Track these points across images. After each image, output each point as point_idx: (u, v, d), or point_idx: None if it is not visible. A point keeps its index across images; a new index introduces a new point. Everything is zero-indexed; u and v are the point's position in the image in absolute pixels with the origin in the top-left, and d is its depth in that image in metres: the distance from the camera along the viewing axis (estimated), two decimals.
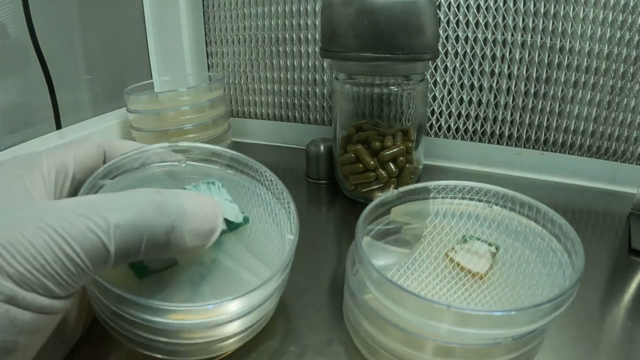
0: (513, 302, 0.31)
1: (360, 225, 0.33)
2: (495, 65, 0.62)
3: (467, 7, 0.61)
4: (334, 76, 0.56)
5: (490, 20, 0.60)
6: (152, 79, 0.77)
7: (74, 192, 0.30)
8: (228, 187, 0.36)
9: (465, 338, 0.27)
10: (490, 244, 0.36)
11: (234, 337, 0.31)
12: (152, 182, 0.35)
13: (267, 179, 0.38)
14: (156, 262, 0.30)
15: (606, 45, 0.56)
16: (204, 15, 0.77)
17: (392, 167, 0.53)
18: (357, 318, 0.31)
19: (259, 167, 0.38)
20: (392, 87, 0.53)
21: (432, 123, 0.69)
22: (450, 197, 0.40)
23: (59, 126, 0.59)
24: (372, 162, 0.53)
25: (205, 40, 0.79)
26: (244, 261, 0.33)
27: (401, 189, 0.38)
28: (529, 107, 0.63)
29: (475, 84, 0.64)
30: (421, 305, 0.26)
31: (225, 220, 0.32)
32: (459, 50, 0.63)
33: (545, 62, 0.60)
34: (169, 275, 0.31)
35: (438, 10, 0.62)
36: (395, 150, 0.53)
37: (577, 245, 0.31)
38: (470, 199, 0.39)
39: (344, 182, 0.57)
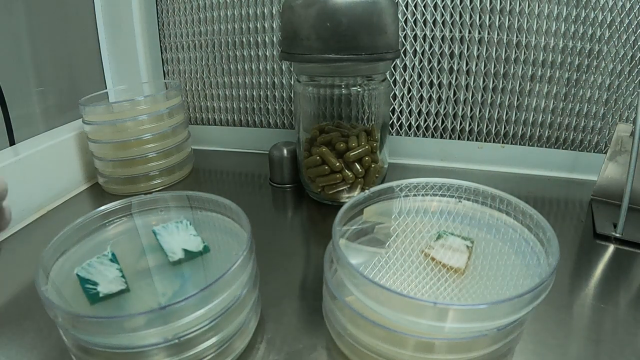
0: (494, 294, 0.31)
1: (336, 227, 0.33)
2: (453, 62, 0.63)
3: (425, 6, 0.61)
4: (295, 79, 0.55)
5: (448, 18, 0.61)
6: (106, 88, 0.75)
7: None
8: (197, 224, 0.40)
9: (452, 333, 0.27)
10: (464, 238, 0.36)
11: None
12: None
13: (230, 210, 0.39)
14: (107, 287, 0.32)
15: (561, 40, 0.58)
16: (158, 21, 0.75)
17: (358, 168, 0.53)
18: (339, 321, 0.31)
19: (222, 201, 0.39)
20: (354, 88, 0.53)
21: (393, 122, 0.69)
22: (422, 195, 0.40)
23: (12, 142, 0.56)
24: (337, 164, 0.52)
25: (161, 46, 0.77)
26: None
27: (372, 189, 0.38)
28: (488, 102, 0.64)
29: (434, 81, 0.65)
30: (406, 304, 0.26)
31: (185, 250, 0.36)
32: (418, 48, 0.64)
33: (503, 57, 0.61)
34: (124, 302, 0.32)
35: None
36: (360, 150, 0.52)
37: (549, 233, 0.32)
38: (442, 196, 0.40)
39: (310, 185, 0.56)
